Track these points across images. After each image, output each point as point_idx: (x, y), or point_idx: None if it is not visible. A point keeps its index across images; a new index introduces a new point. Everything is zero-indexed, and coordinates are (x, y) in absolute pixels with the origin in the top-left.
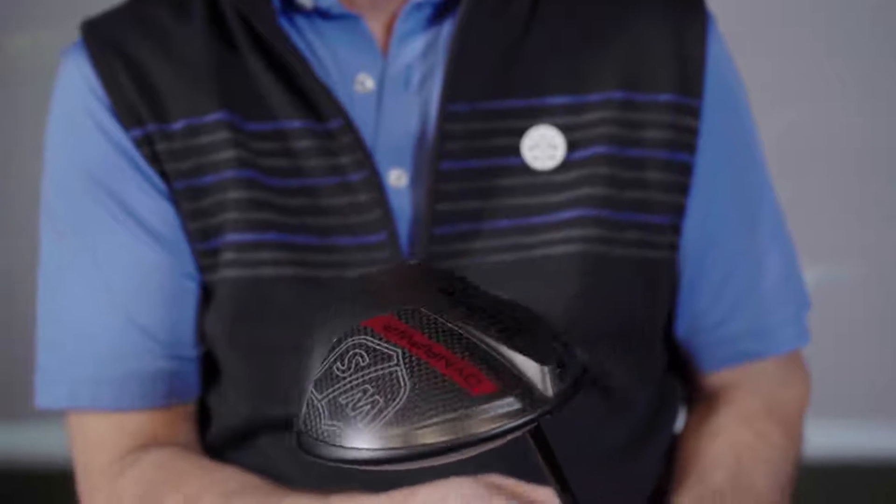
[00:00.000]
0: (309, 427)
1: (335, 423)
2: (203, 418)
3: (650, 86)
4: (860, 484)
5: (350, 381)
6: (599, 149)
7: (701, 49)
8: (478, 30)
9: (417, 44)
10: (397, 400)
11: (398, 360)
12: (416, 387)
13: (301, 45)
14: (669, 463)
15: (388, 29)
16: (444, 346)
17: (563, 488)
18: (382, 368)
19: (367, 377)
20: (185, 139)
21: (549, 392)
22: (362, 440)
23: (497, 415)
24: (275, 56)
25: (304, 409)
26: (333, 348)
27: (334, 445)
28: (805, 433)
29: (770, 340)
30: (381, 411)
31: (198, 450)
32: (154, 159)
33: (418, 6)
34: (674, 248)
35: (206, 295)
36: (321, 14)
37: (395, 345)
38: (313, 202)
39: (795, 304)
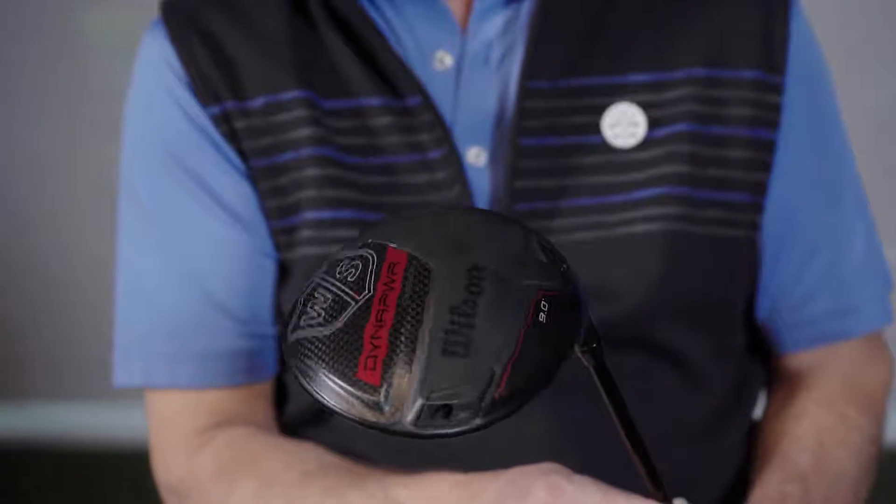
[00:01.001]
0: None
1: (298, 306)
2: (279, 396)
3: (734, 62)
4: None
5: (330, 281)
6: (681, 126)
7: (784, 25)
8: (559, 6)
9: (497, 20)
10: (326, 328)
11: (360, 299)
12: (341, 332)
13: (380, 21)
14: (750, 446)
15: (468, 5)
16: (394, 320)
17: (635, 445)
18: (348, 293)
19: (338, 289)
20: (264, 116)
21: (406, 419)
22: (290, 336)
23: (351, 400)
24: (353, 33)
25: (311, 277)
26: (356, 247)
27: (284, 326)
28: (887, 417)
29: (853, 320)
30: (312, 325)
31: (274, 428)
32: (232, 137)
33: None
34: (755, 226)
35: (283, 273)
36: None
37: (374, 284)
38: (391, 180)
39: (879, 283)
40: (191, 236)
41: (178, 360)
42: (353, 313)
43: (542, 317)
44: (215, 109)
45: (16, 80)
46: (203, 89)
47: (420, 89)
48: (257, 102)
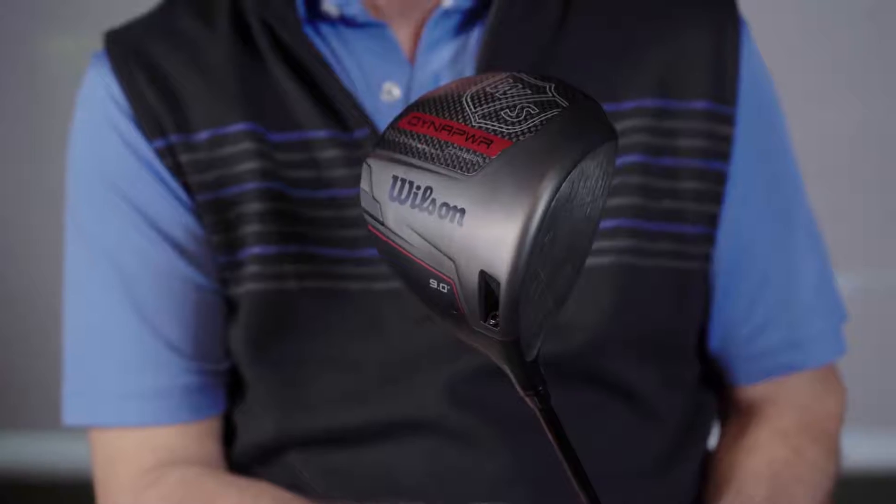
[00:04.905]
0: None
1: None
2: (228, 434)
3: (685, 93)
4: None
5: (518, 88)
6: (632, 158)
7: (735, 56)
8: (508, 37)
9: (446, 51)
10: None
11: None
12: (460, 102)
13: (327, 53)
14: (704, 481)
15: (416, 37)
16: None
17: (579, 481)
18: (488, 107)
19: (506, 98)
20: (209, 150)
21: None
22: None
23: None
24: (300, 65)
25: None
26: (565, 98)
27: None
28: (842, 445)
29: (806, 353)
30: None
31: (223, 467)
32: (177, 171)
33: (447, 14)
34: (707, 258)
35: (231, 308)
36: (347, 22)
37: (503, 132)
38: (340, 213)
39: (831, 315)
40: (137, 271)
41: (126, 397)
42: (469, 110)
43: (433, 283)
44: (160, 143)
45: None
46: (147, 123)
47: (367, 121)
48: (202, 136)
